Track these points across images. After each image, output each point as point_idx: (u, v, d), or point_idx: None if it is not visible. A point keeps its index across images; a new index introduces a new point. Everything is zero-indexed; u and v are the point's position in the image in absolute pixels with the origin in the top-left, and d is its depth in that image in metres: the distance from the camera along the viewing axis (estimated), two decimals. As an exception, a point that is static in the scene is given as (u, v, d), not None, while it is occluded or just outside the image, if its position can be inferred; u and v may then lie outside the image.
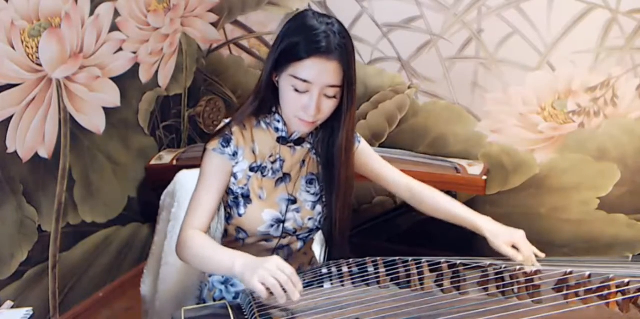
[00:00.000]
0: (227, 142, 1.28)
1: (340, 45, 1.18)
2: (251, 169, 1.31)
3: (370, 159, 1.45)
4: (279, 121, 1.31)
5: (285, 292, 1.03)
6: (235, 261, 1.12)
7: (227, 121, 1.33)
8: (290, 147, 1.34)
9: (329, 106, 1.22)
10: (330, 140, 1.31)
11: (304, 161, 1.37)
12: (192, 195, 1.30)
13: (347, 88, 1.22)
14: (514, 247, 1.26)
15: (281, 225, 1.33)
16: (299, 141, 1.34)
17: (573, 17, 2.13)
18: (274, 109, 1.31)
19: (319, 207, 1.37)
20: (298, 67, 1.18)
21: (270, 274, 1.04)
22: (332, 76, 1.19)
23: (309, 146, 1.36)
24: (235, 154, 1.29)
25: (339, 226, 1.36)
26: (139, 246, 2.45)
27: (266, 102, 1.29)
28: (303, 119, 1.23)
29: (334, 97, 1.21)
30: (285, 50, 1.20)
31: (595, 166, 2.27)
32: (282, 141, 1.32)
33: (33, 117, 1.85)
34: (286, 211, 1.34)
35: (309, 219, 1.36)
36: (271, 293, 1.04)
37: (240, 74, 2.68)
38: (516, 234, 1.29)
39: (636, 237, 2.29)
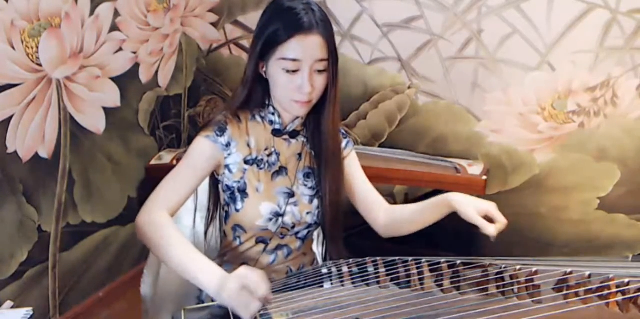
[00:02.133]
0: (221, 131, 1.27)
1: (321, 20, 1.21)
2: (246, 162, 1.30)
3: (353, 171, 1.43)
4: (273, 114, 1.31)
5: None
6: (199, 272, 1.11)
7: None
8: (285, 139, 1.34)
9: (321, 81, 1.23)
10: (319, 119, 1.32)
11: (300, 155, 1.36)
12: (170, 173, 1.27)
13: (332, 61, 1.24)
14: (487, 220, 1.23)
15: (280, 219, 1.32)
16: (294, 134, 1.34)
17: (573, 17, 2.13)
18: (267, 102, 1.31)
19: (316, 202, 1.36)
20: (285, 49, 1.19)
21: (240, 282, 1.04)
22: (319, 50, 1.20)
23: (304, 138, 1.36)
24: (228, 144, 1.28)
25: (330, 213, 1.34)
26: (139, 246, 2.44)
27: (255, 94, 1.30)
28: (299, 100, 1.23)
29: (324, 70, 1.23)
30: (269, 37, 1.21)
31: (595, 166, 2.27)
32: (277, 133, 1.33)
33: (33, 117, 1.85)
34: (285, 204, 1.33)
35: (307, 213, 1.35)
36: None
37: (240, 74, 2.65)
38: (486, 203, 1.26)
39: (636, 237, 2.30)
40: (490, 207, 1.25)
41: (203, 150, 1.28)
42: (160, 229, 1.19)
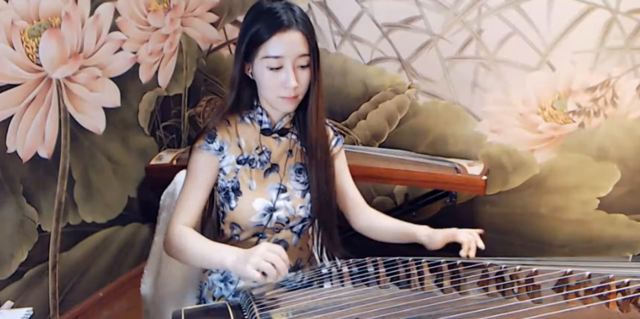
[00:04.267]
0: (212, 138, 1.32)
1: (300, 17, 1.26)
2: (238, 162, 1.34)
3: (340, 169, 1.47)
4: (261, 114, 1.35)
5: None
6: (225, 256, 1.18)
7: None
8: (275, 138, 1.37)
9: (305, 76, 1.28)
10: (306, 117, 1.35)
11: (290, 151, 1.40)
12: (179, 191, 1.34)
13: (314, 56, 1.28)
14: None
15: (274, 214, 1.35)
16: (283, 131, 1.38)
17: (573, 17, 2.13)
18: (255, 103, 1.35)
19: (309, 195, 1.39)
20: (267, 47, 1.24)
21: (262, 258, 1.10)
22: (300, 46, 1.25)
23: (294, 136, 1.39)
24: (221, 148, 1.33)
25: (321, 208, 1.37)
26: (139, 246, 2.45)
27: (244, 96, 1.33)
28: (285, 96, 1.27)
29: (307, 66, 1.27)
30: (251, 38, 1.26)
31: (595, 166, 2.27)
32: (266, 132, 1.36)
33: (33, 117, 1.85)
34: (276, 199, 1.36)
35: (300, 207, 1.38)
36: (264, 274, 1.10)
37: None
38: (449, 230, 1.33)
39: (636, 237, 2.30)
40: (453, 232, 1.32)
41: (199, 161, 1.33)
42: (179, 237, 1.27)
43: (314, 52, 1.27)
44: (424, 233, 1.36)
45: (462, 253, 1.27)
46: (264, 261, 1.09)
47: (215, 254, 1.20)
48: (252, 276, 1.10)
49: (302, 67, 1.26)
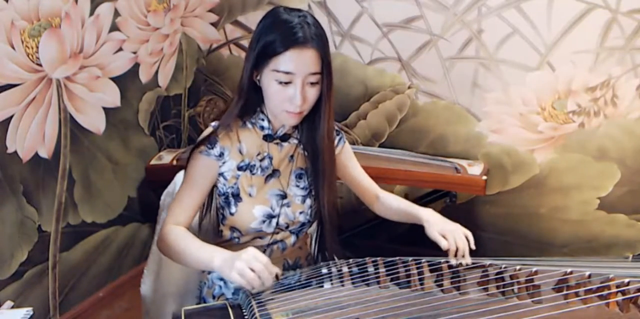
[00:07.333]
0: (212, 144, 1.31)
1: (316, 34, 1.23)
2: (239, 168, 1.34)
3: (350, 162, 1.50)
4: (263, 119, 1.34)
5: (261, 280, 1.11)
6: (213, 257, 1.18)
7: (213, 124, 1.35)
8: (277, 144, 1.37)
9: (312, 94, 1.26)
10: (312, 128, 1.35)
11: (292, 156, 1.39)
12: (177, 191, 1.35)
13: (326, 75, 1.26)
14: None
15: (273, 220, 1.35)
16: (285, 137, 1.37)
17: (573, 17, 2.13)
18: (258, 109, 1.34)
19: (309, 201, 1.39)
20: (279, 61, 1.22)
21: (246, 265, 1.10)
22: (312, 64, 1.23)
23: (295, 141, 1.39)
24: (221, 154, 1.32)
25: (327, 214, 1.39)
26: (139, 246, 2.45)
27: (250, 102, 1.32)
28: (290, 110, 1.26)
29: (317, 83, 1.26)
30: (264, 48, 1.23)
31: (595, 166, 2.27)
32: (268, 138, 1.35)
33: (33, 117, 1.85)
34: (278, 206, 1.36)
35: (300, 212, 1.39)
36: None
37: (240, 74, 2.67)
38: (448, 226, 1.34)
39: (636, 237, 2.30)
40: (447, 229, 1.32)
41: (197, 165, 1.33)
42: (173, 235, 1.27)
43: (326, 70, 1.26)
44: (425, 219, 1.36)
45: (451, 260, 1.27)
46: (249, 270, 1.10)
47: (205, 254, 1.20)
48: (236, 282, 1.11)
49: (312, 84, 1.25)
